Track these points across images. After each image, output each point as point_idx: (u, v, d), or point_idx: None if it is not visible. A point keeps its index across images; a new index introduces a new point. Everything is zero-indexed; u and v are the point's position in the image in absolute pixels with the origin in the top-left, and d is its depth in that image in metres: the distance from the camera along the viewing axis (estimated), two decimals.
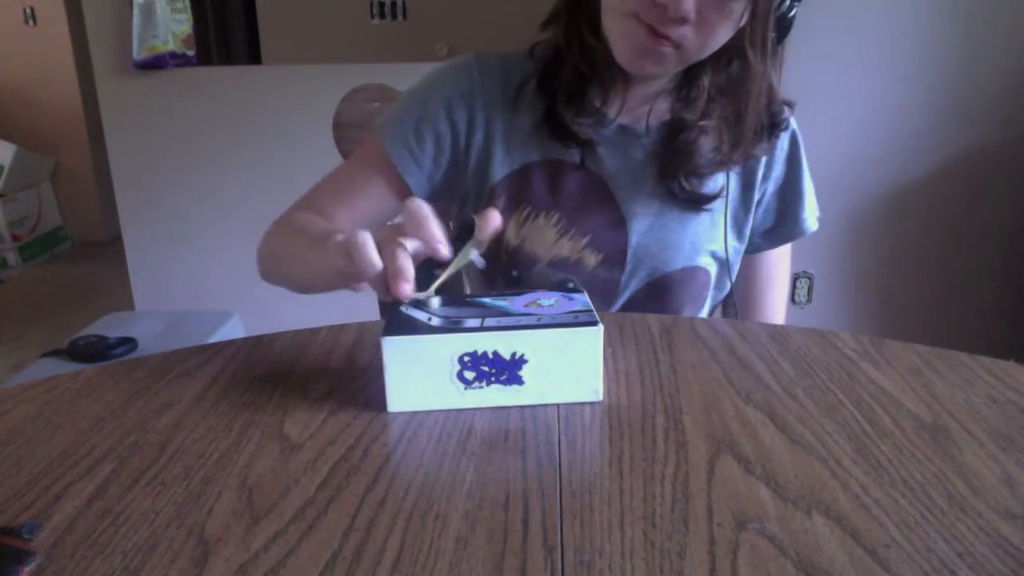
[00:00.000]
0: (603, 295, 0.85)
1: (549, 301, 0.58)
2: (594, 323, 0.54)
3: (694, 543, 0.39)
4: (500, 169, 0.83)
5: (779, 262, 0.94)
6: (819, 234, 0.94)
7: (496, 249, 0.84)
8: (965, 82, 2.12)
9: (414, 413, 0.54)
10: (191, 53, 2.33)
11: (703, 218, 0.84)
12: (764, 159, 0.86)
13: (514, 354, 0.53)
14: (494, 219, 0.56)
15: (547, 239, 0.82)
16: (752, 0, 0.69)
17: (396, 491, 0.44)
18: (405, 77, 1.18)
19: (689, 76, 0.80)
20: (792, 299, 2.33)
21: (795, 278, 2.30)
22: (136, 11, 2.21)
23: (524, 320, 0.54)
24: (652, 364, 0.62)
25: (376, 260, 0.52)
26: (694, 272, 0.85)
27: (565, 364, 0.54)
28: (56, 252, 3.89)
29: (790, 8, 0.74)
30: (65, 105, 3.90)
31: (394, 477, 0.46)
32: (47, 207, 3.90)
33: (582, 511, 0.42)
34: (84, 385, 0.59)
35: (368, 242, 0.53)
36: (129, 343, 1.84)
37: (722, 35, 0.72)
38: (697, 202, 0.83)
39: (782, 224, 0.90)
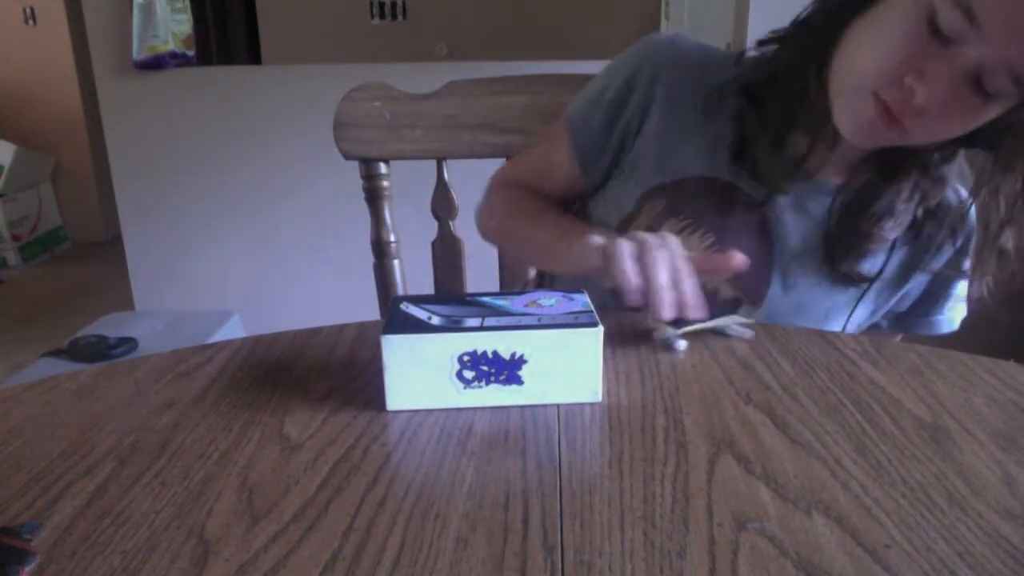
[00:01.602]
0: None
1: (550, 301, 0.58)
2: (594, 324, 0.54)
3: (694, 543, 0.39)
4: (672, 170, 0.79)
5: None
6: None
7: None
8: None
9: (414, 413, 0.54)
10: (191, 53, 2.33)
11: (847, 294, 0.80)
12: (938, 251, 0.79)
13: (514, 354, 0.53)
14: (733, 261, 0.60)
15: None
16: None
17: (396, 491, 0.44)
18: (405, 77, 1.18)
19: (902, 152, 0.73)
20: None
21: None
22: (136, 11, 2.21)
23: (524, 320, 0.54)
24: (652, 364, 0.62)
25: (630, 273, 0.59)
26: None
27: (565, 365, 0.54)
28: (56, 252, 3.89)
29: None
30: (65, 105, 3.90)
31: (394, 477, 0.46)
32: (47, 207, 3.90)
33: (582, 511, 0.42)
34: (84, 385, 0.59)
35: (624, 254, 0.59)
36: (129, 343, 1.84)
37: (957, 132, 0.66)
38: (852, 280, 0.78)
39: (915, 311, 0.84)
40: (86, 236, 4.04)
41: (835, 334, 0.69)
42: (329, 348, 0.65)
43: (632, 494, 0.44)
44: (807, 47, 0.72)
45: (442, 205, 1.04)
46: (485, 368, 0.53)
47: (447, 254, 1.05)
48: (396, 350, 0.52)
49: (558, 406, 0.55)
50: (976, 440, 0.50)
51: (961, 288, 0.83)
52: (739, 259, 0.59)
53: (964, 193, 0.77)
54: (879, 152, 0.74)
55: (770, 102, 0.75)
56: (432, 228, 1.04)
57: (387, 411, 0.54)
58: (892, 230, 0.76)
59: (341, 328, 0.69)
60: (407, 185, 1.20)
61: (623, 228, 0.81)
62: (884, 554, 0.39)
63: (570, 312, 0.56)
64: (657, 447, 0.49)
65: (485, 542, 0.40)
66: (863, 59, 0.66)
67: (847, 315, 0.82)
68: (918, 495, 0.44)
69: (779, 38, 0.75)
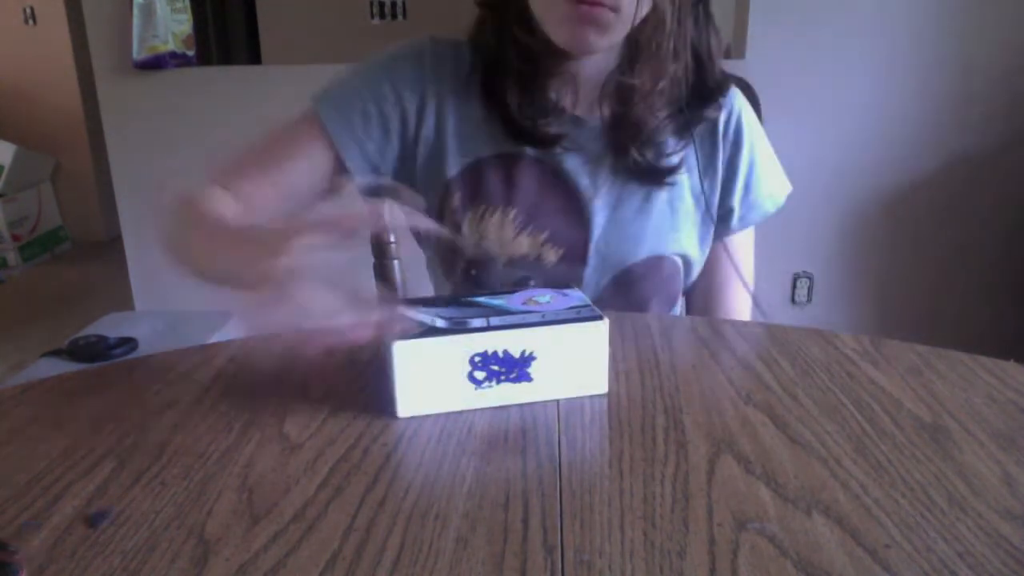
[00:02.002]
0: None
1: (545, 298, 0.58)
2: (598, 317, 0.54)
3: (694, 543, 0.39)
4: (454, 164, 0.81)
5: (739, 250, 0.90)
6: (819, 234, 0.93)
7: (454, 248, 0.82)
8: (964, 82, 2.12)
9: (411, 416, 0.54)
10: (191, 53, 2.33)
11: (663, 208, 0.83)
12: (721, 138, 0.84)
13: (523, 352, 0.53)
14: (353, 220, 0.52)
15: (505, 236, 0.80)
16: None
17: (396, 491, 0.44)
18: None
19: (628, 46, 0.78)
20: (792, 299, 2.33)
21: (795, 278, 2.30)
22: (136, 11, 2.21)
23: (529, 318, 0.54)
24: (652, 364, 0.62)
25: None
26: (659, 263, 0.83)
27: (572, 359, 0.55)
28: (56, 252, 3.89)
29: None
30: (65, 105, 3.90)
31: (394, 477, 0.46)
32: (47, 207, 3.90)
33: (582, 511, 0.42)
34: (84, 385, 0.59)
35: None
36: (129, 343, 1.84)
37: None
38: (655, 174, 0.81)
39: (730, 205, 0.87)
40: (86, 236, 4.04)
41: (835, 333, 0.69)
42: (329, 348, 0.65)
43: (632, 494, 0.44)
44: (501, 10, 0.78)
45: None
46: (496, 368, 0.53)
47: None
48: (407, 355, 0.52)
49: (558, 405, 0.55)
50: (976, 440, 0.50)
51: (764, 166, 0.87)
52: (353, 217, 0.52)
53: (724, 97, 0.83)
54: (618, 67, 0.79)
55: (501, 65, 0.79)
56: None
57: (398, 418, 0.53)
58: (660, 111, 0.80)
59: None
60: None
61: (436, 239, 0.83)
62: (884, 554, 0.39)
63: (570, 307, 0.56)
64: (657, 447, 0.49)
65: (485, 542, 0.40)
66: None
67: (686, 232, 0.84)
68: (918, 495, 0.44)
69: (480, 20, 0.81)
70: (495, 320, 0.54)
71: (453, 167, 0.81)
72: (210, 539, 0.40)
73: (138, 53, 2.25)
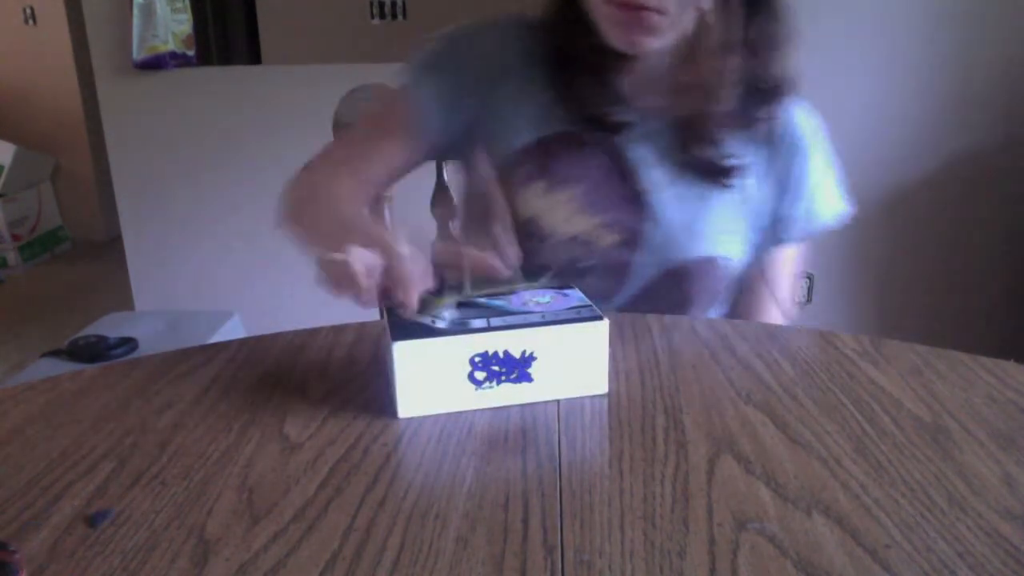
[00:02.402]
0: (616, 276, 0.83)
1: (545, 299, 0.58)
2: (598, 317, 0.54)
3: (694, 543, 0.39)
4: (520, 138, 0.81)
5: (783, 264, 0.91)
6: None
7: (511, 218, 0.82)
8: (965, 82, 2.12)
9: (412, 417, 0.54)
10: (191, 53, 2.33)
11: (721, 208, 0.83)
12: (786, 149, 0.84)
13: (524, 352, 0.53)
14: (503, 266, 0.58)
15: (563, 215, 0.81)
16: None
17: (396, 491, 0.44)
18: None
19: (687, 40, 0.78)
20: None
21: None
22: (136, 11, 2.21)
23: (530, 318, 0.54)
24: (652, 364, 0.62)
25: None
26: (711, 263, 0.83)
27: (573, 359, 0.55)
28: (56, 252, 3.89)
29: None
30: (65, 105, 3.89)
31: (394, 477, 0.46)
32: (47, 207, 3.90)
33: (582, 511, 0.42)
34: (84, 385, 0.59)
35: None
36: (129, 343, 1.84)
37: None
38: (717, 173, 0.81)
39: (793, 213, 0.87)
40: (86, 236, 4.04)
41: (835, 334, 0.69)
42: (329, 348, 0.65)
43: (632, 494, 0.44)
44: (565, 9, 0.79)
45: (442, 205, 1.04)
46: (496, 368, 0.53)
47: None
48: (408, 356, 0.52)
49: (559, 405, 0.55)
50: (976, 440, 0.50)
51: (818, 186, 0.87)
52: (499, 263, 0.58)
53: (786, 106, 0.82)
54: (682, 59, 0.79)
55: (572, 53, 0.80)
56: (433, 227, 1.04)
57: (398, 418, 0.53)
58: (728, 116, 0.80)
59: (341, 328, 0.69)
60: (407, 185, 1.20)
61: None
62: (884, 554, 0.39)
63: (570, 308, 0.56)
64: (657, 447, 0.49)
65: (485, 542, 0.40)
66: None
67: (737, 232, 0.84)
68: (918, 495, 0.44)
69: (547, 18, 0.82)
70: (495, 321, 0.54)
71: (519, 141, 0.82)
72: (210, 539, 0.40)
73: (138, 53, 2.25)
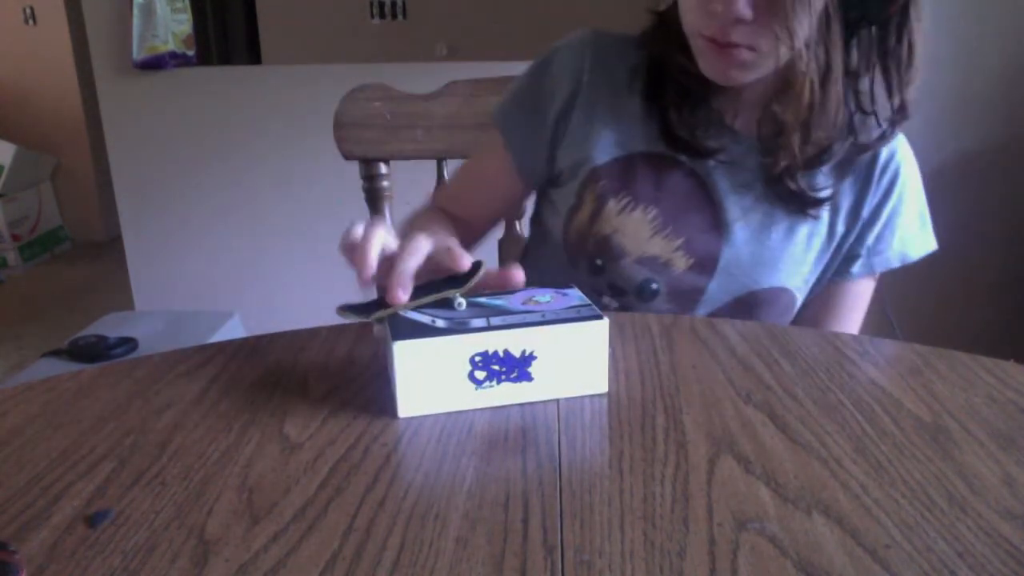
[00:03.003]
0: (686, 301, 0.82)
1: (545, 298, 0.58)
2: (598, 316, 0.55)
3: (694, 543, 0.39)
4: (604, 153, 0.81)
5: (857, 296, 0.88)
6: None
7: (584, 234, 0.82)
8: (964, 83, 2.12)
9: (412, 417, 0.54)
10: (191, 53, 2.33)
11: (801, 239, 0.82)
12: (874, 184, 0.82)
13: (524, 351, 0.53)
14: (516, 278, 0.59)
15: (641, 234, 0.80)
16: None
17: (396, 491, 0.44)
18: (405, 77, 1.18)
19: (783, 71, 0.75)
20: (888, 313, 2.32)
21: None
22: (136, 11, 2.21)
23: (530, 317, 0.54)
24: (652, 364, 0.62)
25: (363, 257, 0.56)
26: (780, 293, 0.82)
27: (573, 358, 0.55)
28: (56, 252, 3.89)
29: None
30: (65, 105, 3.89)
31: (394, 477, 0.46)
32: (47, 207, 3.90)
33: (582, 511, 0.42)
34: (84, 385, 0.59)
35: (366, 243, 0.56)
36: (129, 343, 1.84)
37: (795, 25, 0.66)
38: (802, 204, 0.79)
39: (870, 248, 0.85)
40: (86, 236, 4.04)
41: (835, 334, 0.69)
42: (329, 348, 0.65)
43: (632, 494, 0.44)
44: (662, 29, 0.80)
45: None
46: (496, 367, 0.53)
47: None
48: (408, 356, 0.52)
49: (558, 405, 0.55)
50: (976, 440, 0.50)
51: (907, 220, 0.85)
52: (517, 276, 0.60)
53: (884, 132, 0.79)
54: (779, 88, 0.76)
55: (665, 73, 0.80)
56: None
57: (398, 418, 0.53)
58: (812, 145, 0.77)
59: (341, 328, 0.69)
60: (407, 185, 1.20)
61: (568, 222, 0.84)
62: (884, 554, 0.39)
63: (570, 307, 0.56)
64: (657, 447, 0.49)
65: (485, 542, 0.40)
66: (683, 10, 0.73)
67: (808, 264, 0.83)
68: (918, 495, 0.44)
69: (646, 34, 0.82)
70: (495, 320, 0.54)
71: (603, 155, 0.81)
72: (210, 539, 0.40)
73: (138, 53, 2.26)
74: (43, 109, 3.91)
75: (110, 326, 1.97)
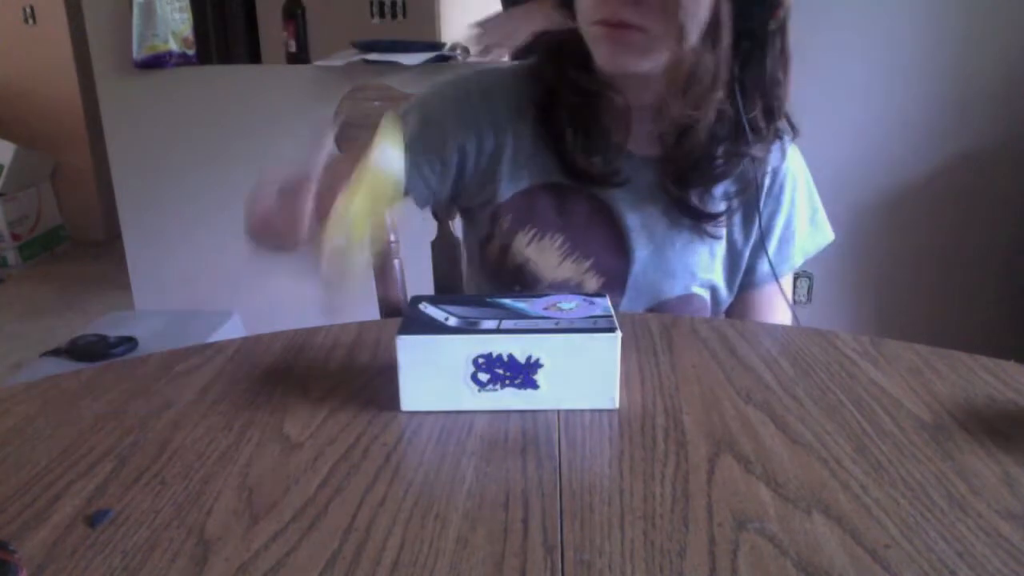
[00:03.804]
0: None
1: (570, 304, 0.57)
2: (612, 329, 0.53)
3: (694, 543, 0.39)
4: (506, 189, 0.83)
5: (770, 299, 0.90)
6: None
7: (501, 262, 0.84)
8: (965, 82, 2.12)
9: (414, 412, 0.54)
10: (191, 52, 2.33)
11: (702, 249, 0.84)
12: (765, 194, 0.84)
13: (529, 358, 0.53)
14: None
15: (551, 261, 0.83)
16: None
17: (396, 491, 0.44)
18: (405, 77, 1.18)
19: (671, 75, 0.76)
20: (792, 299, 2.32)
21: (795, 278, 2.30)
22: (136, 10, 2.21)
23: (541, 324, 0.54)
24: (652, 364, 0.62)
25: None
26: (690, 299, 0.85)
27: (581, 370, 0.53)
28: (56, 251, 3.89)
29: None
30: (65, 105, 3.89)
31: (394, 477, 0.46)
32: (47, 206, 3.89)
33: (582, 511, 0.42)
34: (84, 384, 0.59)
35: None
36: (129, 342, 1.84)
37: (689, 8, 0.69)
38: (699, 217, 0.82)
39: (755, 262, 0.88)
40: (86, 236, 4.04)
41: (835, 333, 0.69)
42: (329, 348, 0.65)
43: (632, 494, 0.44)
44: (556, 52, 0.80)
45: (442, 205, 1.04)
46: (500, 371, 0.53)
47: (447, 254, 1.05)
48: (410, 351, 0.52)
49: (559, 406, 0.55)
50: (976, 440, 0.50)
51: (801, 224, 0.87)
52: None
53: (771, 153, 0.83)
54: (671, 100, 0.77)
55: (556, 99, 0.80)
56: (432, 228, 1.04)
57: (394, 411, 0.54)
58: (714, 160, 0.79)
59: (341, 328, 0.69)
60: None
61: (484, 251, 0.86)
62: (884, 554, 0.39)
63: (589, 316, 0.55)
64: (657, 447, 0.49)
65: (485, 542, 0.40)
66: (580, 5, 0.74)
67: (715, 274, 0.85)
68: (918, 495, 0.44)
69: (538, 64, 0.83)
70: (507, 323, 0.54)
71: (506, 192, 0.83)
72: (210, 539, 0.40)
73: (138, 53, 2.25)
74: (43, 109, 3.91)
75: (110, 325, 1.97)
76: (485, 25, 2.02)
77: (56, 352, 1.83)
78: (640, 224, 0.83)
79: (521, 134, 0.83)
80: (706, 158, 0.79)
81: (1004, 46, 2.10)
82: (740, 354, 0.64)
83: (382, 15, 3.26)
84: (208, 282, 2.50)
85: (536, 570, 0.37)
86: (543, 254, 0.83)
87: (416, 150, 0.82)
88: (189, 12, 2.30)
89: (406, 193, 0.82)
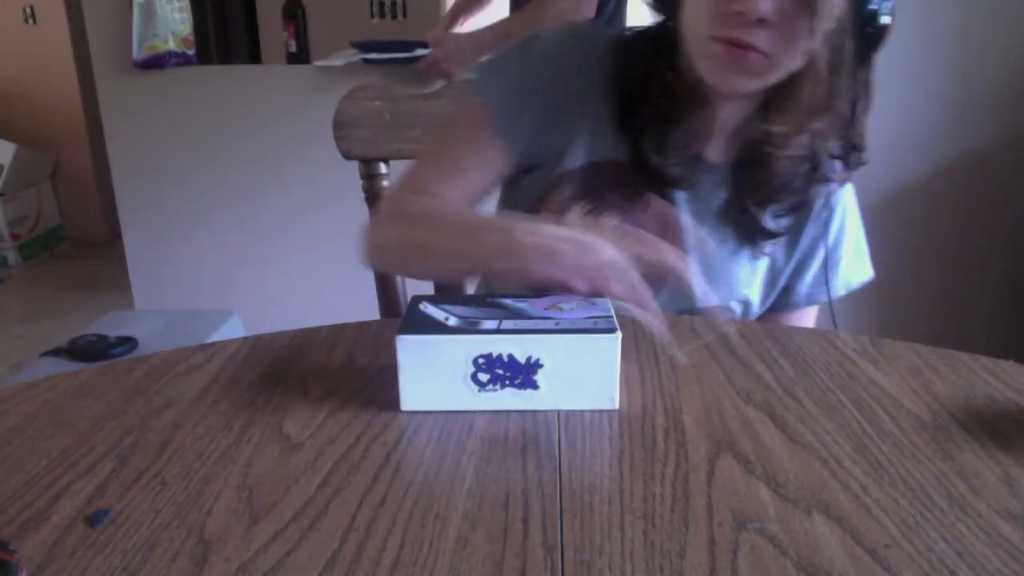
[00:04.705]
0: None
1: (570, 305, 0.57)
2: (612, 330, 0.53)
3: (694, 543, 0.39)
4: (574, 159, 0.81)
5: (808, 319, 0.90)
6: None
7: None
8: (965, 82, 2.12)
9: (414, 412, 0.54)
10: (191, 52, 2.33)
11: (744, 264, 0.83)
12: (811, 220, 0.83)
13: (529, 358, 0.53)
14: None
15: None
16: None
17: (396, 491, 0.44)
18: (405, 76, 1.18)
19: (774, 92, 0.75)
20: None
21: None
22: (136, 10, 2.21)
23: (542, 324, 0.54)
24: (652, 364, 0.62)
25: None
26: (723, 311, 0.84)
27: (581, 371, 0.53)
28: (56, 251, 3.89)
29: (873, 13, 0.71)
30: (65, 105, 3.89)
31: (394, 477, 0.46)
32: (47, 206, 3.89)
33: (582, 511, 0.42)
34: (84, 384, 0.59)
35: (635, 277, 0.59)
36: (129, 342, 1.84)
37: (804, 34, 0.68)
38: (756, 234, 0.81)
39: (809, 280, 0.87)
40: (86, 236, 4.04)
41: (835, 334, 0.69)
42: (329, 348, 0.65)
43: (632, 494, 0.44)
44: (652, 48, 0.78)
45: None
46: (500, 371, 0.53)
47: None
48: (410, 351, 0.52)
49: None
50: (976, 440, 0.50)
51: (847, 253, 0.87)
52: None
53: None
54: (754, 115, 0.78)
55: (647, 106, 0.78)
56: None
57: (394, 411, 0.54)
58: (788, 167, 0.78)
59: (341, 328, 0.69)
60: None
61: (533, 212, 0.83)
62: (884, 554, 0.39)
63: (589, 317, 0.55)
64: (657, 447, 0.49)
65: (485, 542, 0.40)
66: (694, 15, 0.72)
67: (753, 290, 0.85)
68: (918, 495, 0.44)
69: (631, 57, 0.80)
70: (508, 323, 0.54)
71: (573, 161, 0.81)
72: (210, 539, 0.40)
73: (138, 53, 2.25)
74: (43, 109, 3.91)
75: (110, 325, 1.97)
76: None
77: (56, 352, 1.83)
78: (693, 228, 0.81)
79: (604, 105, 0.80)
80: (784, 178, 0.78)
81: (1004, 46, 2.10)
82: (740, 354, 0.64)
83: (382, 15, 3.26)
84: (208, 282, 2.50)
85: (536, 570, 0.37)
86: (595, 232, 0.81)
87: (519, 100, 0.80)
88: (189, 12, 2.30)
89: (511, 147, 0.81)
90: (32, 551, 0.39)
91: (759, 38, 0.68)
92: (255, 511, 0.42)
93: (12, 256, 3.61)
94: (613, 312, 0.56)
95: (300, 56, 2.32)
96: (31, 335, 2.80)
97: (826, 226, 0.84)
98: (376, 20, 3.27)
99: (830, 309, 0.87)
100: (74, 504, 0.43)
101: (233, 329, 2.05)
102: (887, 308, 2.33)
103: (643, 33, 0.81)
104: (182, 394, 0.57)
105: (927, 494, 0.44)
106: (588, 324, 0.54)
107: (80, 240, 4.05)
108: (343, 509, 0.43)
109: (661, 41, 0.77)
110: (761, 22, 0.67)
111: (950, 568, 0.38)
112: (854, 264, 0.88)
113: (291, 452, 0.49)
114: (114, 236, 3.20)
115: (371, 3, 3.25)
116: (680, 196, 0.81)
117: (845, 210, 0.85)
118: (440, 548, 0.39)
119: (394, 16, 3.24)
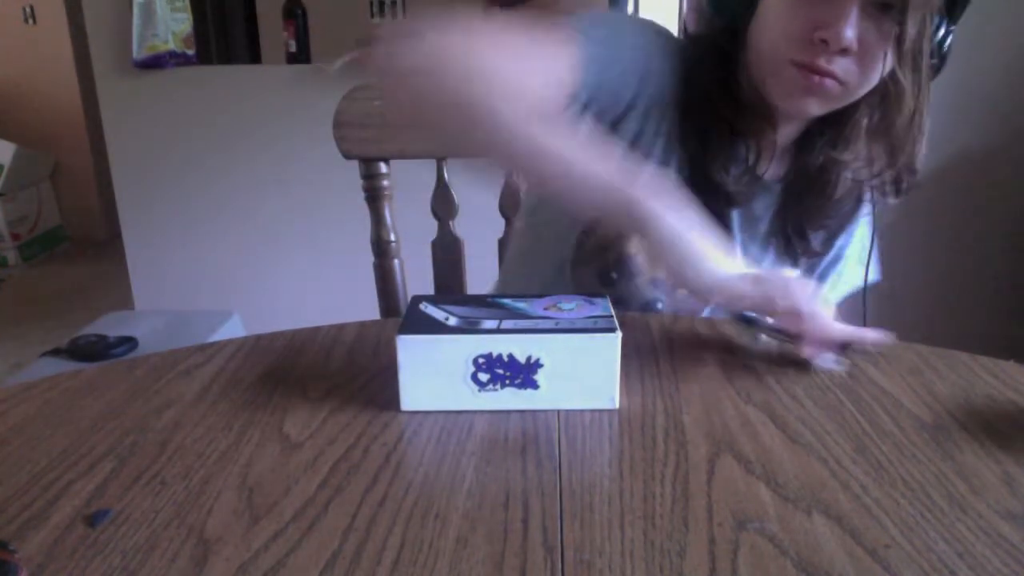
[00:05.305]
0: None
1: (570, 305, 0.57)
2: (612, 329, 0.53)
3: (694, 543, 0.39)
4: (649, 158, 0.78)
5: None
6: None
7: (606, 247, 0.80)
8: (965, 82, 2.12)
9: (414, 412, 0.54)
10: (191, 52, 2.33)
11: (784, 272, 0.83)
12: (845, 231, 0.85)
13: (529, 358, 0.53)
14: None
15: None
16: (903, 22, 0.65)
17: (396, 491, 0.44)
18: None
19: (840, 115, 0.75)
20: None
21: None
22: (136, 10, 2.21)
23: (541, 324, 0.54)
24: (652, 364, 0.62)
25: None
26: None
27: (581, 370, 0.53)
28: (56, 251, 3.89)
29: (943, 36, 0.72)
30: (65, 105, 3.89)
31: (394, 477, 0.46)
32: (47, 206, 3.89)
33: (582, 511, 0.42)
34: (84, 384, 0.59)
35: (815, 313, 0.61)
36: (129, 342, 1.84)
37: (880, 63, 0.68)
38: (800, 253, 0.82)
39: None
40: (86, 236, 4.04)
41: None
42: (329, 348, 0.65)
43: (632, 494, 0.44)
44: (721, 57, 0.75)
45: (442, 205, 1.04)
46: (500, 371, 0.53)
47: (447, 254, 1.05)
48: (410, 350, 0.52)
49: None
50: (976, 440, 0.50)
51: (852, 254, 0.88)
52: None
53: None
54: (814, 135, 0.78)
55: (707, 104, 0.76)
56: (432, 228, 1.04)
57: (394, 411, 0.54)
58: (847, 210, 0.80)
59: (341, 328, 0.69)
60: (407, 185, 1.20)
61: (589, 229, 0.81)
62: (884, 554, 0.39)
63: (589, 317, 0.55)
64: (657, 447, 0.49)
65: (485, 542, 0.40)
66: (771, 35, 0.70)
67: None
68: (918, 495, 0.44)
69: (697, 65, 0.76)
70: (507, 323, 0.54)
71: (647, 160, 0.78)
72: (210, 539, 0.40)
73: (138, 53, 2.25)
74: (43, 108, 3.91)
75: (110, 325, 1.97)
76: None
77: (56, 352, 1.83)
78: (744, 241, 0.82)
79: (674, 116, 0.77)
80: (840, 201, 0.79)
81: (1004, 46, 2.10)
82: (740, 354, 0.64)
83: (382, 14, 3.25)
84: (208, 282, 2.50)
85: (536, 570, 0.37)
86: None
87: (609, 53, 0.72)
88: (189, 12, 2.30)
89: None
90: (32, 551, 0.39)
91: (838, 65, 0.67)
92: (255, 511, 0.42)
93: (12, 256, 3.61)
94: (613, 312, 0.56)
95: (300, 56, 2.31)
96: (31, 335, 2.80)
97: (849, 235, 0.86)
98: (376, 20, 3.27)
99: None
100: (74, 504, 0.43)
101: (233, 329, 2.05)
102: (887, 308, 2.33)
103: (704, 39, 0.77)
104: (182, 394, 0.57)
105: (927, 494, 0.44)
106: (588, 324, 0.54)
107: (80, 240, 4.05)
108: (343, 509, 0.43)
109: (723, 50, 0.75)
110: (844, 52, 0.66)
111: (950, 568, 0.38)
112: (857, 268, 0.89)
113: (291, 452, 0.49)
114: (114, 236, 3.20)
115: (371, 3, 3.25)
116: (737, 211, 0.81)
117: (864, 225, 0.86)
118: (440, 548, 0.39)
119: (394, 16, 3.24)
